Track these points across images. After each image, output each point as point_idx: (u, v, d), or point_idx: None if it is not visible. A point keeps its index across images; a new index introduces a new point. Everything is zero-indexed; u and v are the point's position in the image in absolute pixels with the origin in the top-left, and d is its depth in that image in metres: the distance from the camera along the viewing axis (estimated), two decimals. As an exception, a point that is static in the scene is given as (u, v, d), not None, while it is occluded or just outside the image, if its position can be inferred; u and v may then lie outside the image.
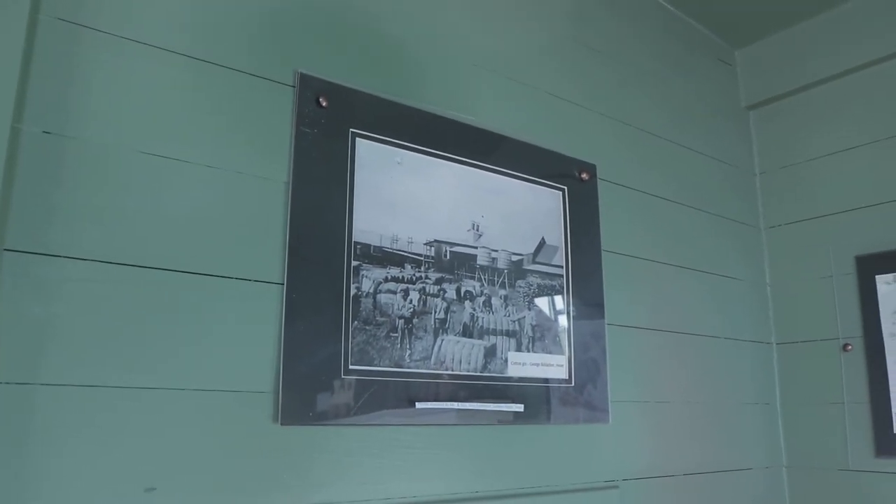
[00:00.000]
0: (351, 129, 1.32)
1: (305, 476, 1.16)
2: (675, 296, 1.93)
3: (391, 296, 1.30)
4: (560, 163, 1.67)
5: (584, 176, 1.71)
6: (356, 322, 1.24)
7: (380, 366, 1.26)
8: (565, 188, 1.66)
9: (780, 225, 2.28)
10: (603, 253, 1.71)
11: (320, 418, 1.17)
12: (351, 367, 1.22)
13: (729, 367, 2.05)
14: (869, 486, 1.96)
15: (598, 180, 1.75)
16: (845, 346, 2.06)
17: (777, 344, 2.23)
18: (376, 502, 1.22)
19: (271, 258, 1.19)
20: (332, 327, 1.21)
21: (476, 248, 1.46)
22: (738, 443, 2.02)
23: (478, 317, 1.42)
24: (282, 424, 1.14)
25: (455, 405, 1.34)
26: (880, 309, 2.01)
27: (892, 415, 1.95)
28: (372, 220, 1.31)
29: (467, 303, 1.41)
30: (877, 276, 2.03)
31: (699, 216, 2.07)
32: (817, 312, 2.15)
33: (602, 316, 1.67)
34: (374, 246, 1.30)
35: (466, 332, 1.40)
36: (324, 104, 1.29)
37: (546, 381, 1.51)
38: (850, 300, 2.08)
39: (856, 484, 1.98)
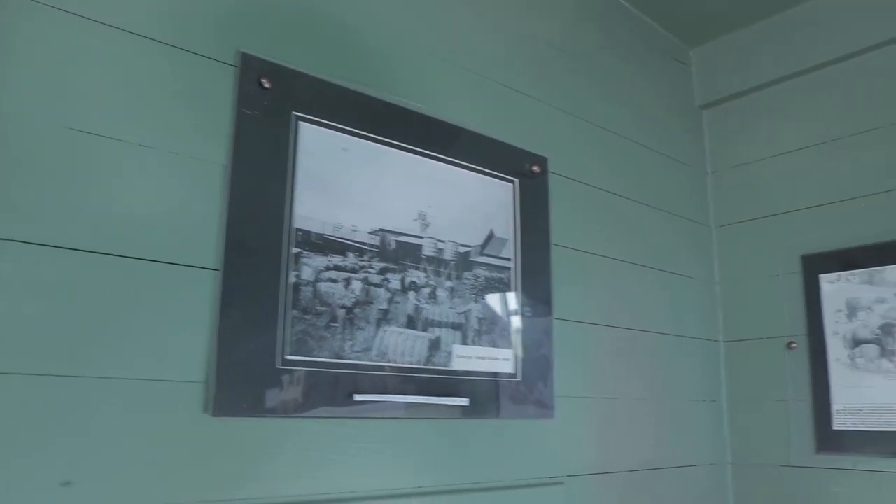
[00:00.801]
0: (294, 113, 1.27)
1: (237, 469, 1.12)
2: (625, 292, 1.92)
3: (332, 285, 1.26)
4: (511, 155, 1.65)
5: (536, 169, 1.69)
6: (295, 311, 1.20)
7: (319, 356, 1.22)
8: (516, 181, 1.64)
9: (729, 224, 2.29)
10: (552, 247, 1.70)
11: (255, 410, 1.13)
12: (288, 357, 1.18)
13: (677, 365, 2.05)
14: (810, 481, 1.98)
15: (550, 174, 1.74)
16: (790, 343, 2.08)
17: (725, 342, 2.24)
18: (312, 497, 1.19)
19: (207, 243, 1.14)
20: (270, 316, 1.17)
21: (422, 238, 1.43)
22: (685, 440, 2.03)
23: (422, 308, 1.39)
24: (213, 415, 1.09)
25: (397, 398, 1.31)
26: (823, 308, 2.04)
27: (831, 412, 1.97)
28: (314, 207, 1.27)
29: (412, 294, 1.38)
30: (821, 276, 2.06)
31: (651, 213, 2.07)
32: (764, 311, 2.16)
33: (550, 310, 1.65)
34: (316, 233, 1.26)
35: (410, 324, 1.37)
36: (267, 86, 1.25)
37: (492, 375, 1.49)
38: (795, 299, 2.10)
39: (797, 480, 2.01)
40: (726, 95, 2.35)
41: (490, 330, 1.51)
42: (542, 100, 1.79)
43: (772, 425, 2.10)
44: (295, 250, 1.22)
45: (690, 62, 2.42)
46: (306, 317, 1.22)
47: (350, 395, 1.24)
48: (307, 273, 1.23)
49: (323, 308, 1.24)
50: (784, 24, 2.21)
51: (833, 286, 2.03)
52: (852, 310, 1.99)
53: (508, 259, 1.58)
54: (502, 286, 1.55)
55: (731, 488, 2.15)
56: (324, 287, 1.25)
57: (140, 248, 1.07)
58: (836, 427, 1.96)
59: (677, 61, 2.35)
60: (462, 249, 1.49)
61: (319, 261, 1.25)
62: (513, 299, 1.57)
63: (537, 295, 1.63)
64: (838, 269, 2.03)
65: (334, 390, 1.23)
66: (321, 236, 1.27)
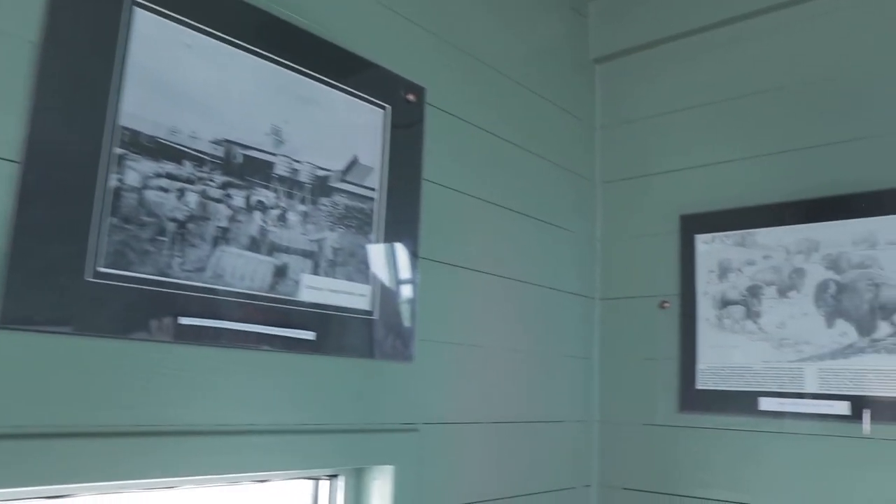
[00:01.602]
0: (128, -4, 1.12)
1: (28, 392, 0.97)
2: (502, 239, 1.85)
3: (163, 194, 1.13)
4: (385, 79, 1.54)
5: (411, 97, 1.59)
6: (114, 219, 1.06)
7: (139, 272, 1.09)
8: (388, 107, 1.53)
9: (615, 180, 2.26)
10: (423, 182, 1.60)
11: (53, 324, 0.99)
12: (101, 269, 1.04)
13: (551, 318, 2.01)
14: (671, 440, 1.99)
15: (427, 105, 1.64)
16: (662, 303, 2.08)
17: (601, 299, 2.22)
18: (123, 428, 1.06)
19: (5, 130, 0.98)
20: (81, 221, 1.03)
21: (275, 155, 1.30)
22: (554, 395, 1.99)
23: (269, 231, 1.27)
24: (8, 328, 0.95)
25: (231, 325, 1.19)
26: (697, 268, 2.03)
27: (696, 371, 1.97)
28: (146, 105, 1.12)
29: (257, 214, 1.26)
30: (696, 236, 2.05)
31: (535, 161, 2.00)
32: (642, 269, 2.15)
33: (416, 249, 1.56)
34: (147, 135, 1.12)
35: (253, 247, 1.24)
36: (95, -39, 1.09)
37: (345, 310, 1.39)
38: (671, 258, 2.09)
39: (660, 438, 2.01)
40: (619, 50, 2.30)
41: (346, 262, 1.40)
42: (425, 27, 1.68)
43: (641, 384, 2.09)
44: (119, 151, 1.08)
45: (588, 14, 2.35)
46: (127, 226, 1.08)
47: (175, 318, 1.12)
48: (132, 178, 1.09)
49: (149, 219, 1.11)
50: (682, -18, 2.17)
51: (707, 246, 2.03)
52: (723, 271, 1.99)
53: (373, 189, 1.47)
54: (363, 217, 1.45)
55: (597, 445, 2.14)
56: (152, 196, 1.11)
57: (-85, 125, 0.91)
58: (699, 386, 1.97)
59: (576, 11, 2.29)
60: (321, 173, 1.38)
61: (149, 166, 1.11)
62: (374, 232, 1.46)
63: (402, 231, 1.53)
64: (713, 231, 2.02)
65: (157, 311, 1.10)
66: (153, 139, 1.12)
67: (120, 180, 1.08)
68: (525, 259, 1.93)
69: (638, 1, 2.26)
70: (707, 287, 2.01)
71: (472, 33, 1.83)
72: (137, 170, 1.10)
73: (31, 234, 0.98)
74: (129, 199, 1.08)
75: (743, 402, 1.89)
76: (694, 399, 1.98)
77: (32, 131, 1.00)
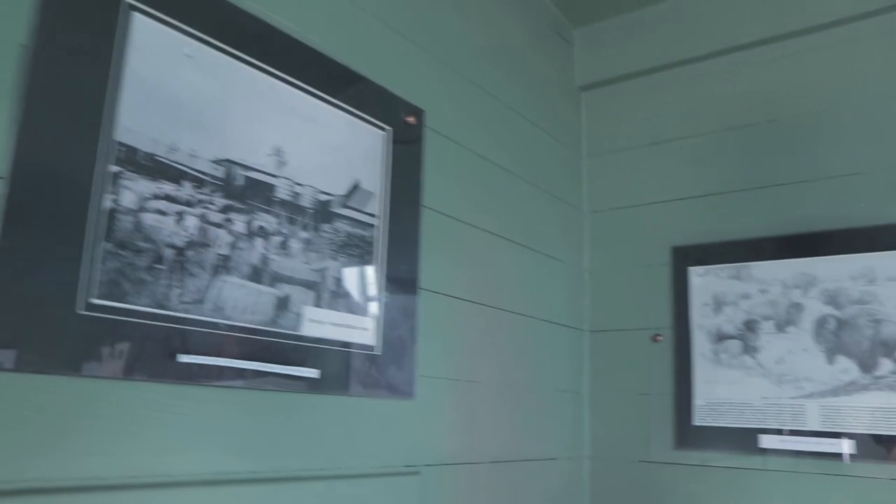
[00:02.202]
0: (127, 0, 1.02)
1: (14, 441, 0.85)
2: (495, 268, 1.78)
3: (161, 217, 1.02)
4: (385, 100, 1.46)
5: (411, 120, 1.51)
6: (109, 244, 0.95)
7: (135, 304, 0.97)
8: (389, 129, 1.45)
9: (603, 210, 2.21)
10: (423, 209, 1.52)
11: (42, 366, 0.87)
12: (93, 300, 0.92)
13: (541, 351, 1.93)
14: (667, 478, 1.92)
15: (426, 128, 1.56)
16: (655, 336, 2.02)
17: (590, 331, 2.15)
18: (112, 481, 0.94)
19: (-11, 144, 0.87)
20: (72, 245, 0.91)
21: (277, 177, 1.20)
22: (545, 431, 1.91)
23: (271, 259, 1.17)
24: (-13, 369, 0.83)
25: (232, 362, 1.08)
26: (690, 301, 1.99)
27: (692, 407, 1.92)
28: (144, 120, 1.02)
29: (259, 241, 1.15)
30: (690, 268, 2.01)
31: (526, 188, 1.94)
32: (632, 301, 2.10)
33: (416, 279, 1.47)
34: (145, 152, 1.01)
35: (255, 276, 1.14)
36: (91, -39, 0.98)
37: (347, 345, 1.29)
38: (664, 291, 2.04)
39: (655, 476, 1.94)
40: (605, 79, 2.27)
41: (348, 293, 1.30)
42: (423, 47, 1.61)
43: (633, 420, 2.02)
44: (114, 168, 0.97)
45: (574, 42, 2.32)
46: (122, 253, 0.96)
47: (173, 356, 1.00)
48: (128, 199, 0.98)
49: (146, 245, 0.99)
50: (669, 12, 2.15)
51: (701, 279, 1.98)
52: (718, 304, 1.95)
53: (374, 216, 1.38)
54: (365, 245, 1.35)
55: (588, 483, 2.06)
56: (149, 219, 1.00)
57: None
58: (696, 423, 1.91)
59: (562, 38, 2.25)
60: (322, 197, 1.28)
61: (146, 186, 1.00)
62: (376, 261, 1.37)
63: (404, 259, 1.44)
64: (708, 263, 1.99)
65: (153, 348, 0.98)
66: (151, 156, 1.02)
67: (115, 201, 0.96)
68: (517, 289, 1.85)
69: (624, 28, 2.23)
70: (702, 321, 1.96)
71: (466, 55, 1.76)
72: (133, 189, 0.99)
73: (17, 259, 0.86)
74: (125, 222, 0.97)
75: (742, 439, 1.84)
76: (691, 436, 1.92)
77: (20, 144, 0.88)
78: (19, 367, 0.84)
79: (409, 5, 1.58)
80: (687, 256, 2.02)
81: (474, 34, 1.81)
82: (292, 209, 1.22)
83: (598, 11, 2.24)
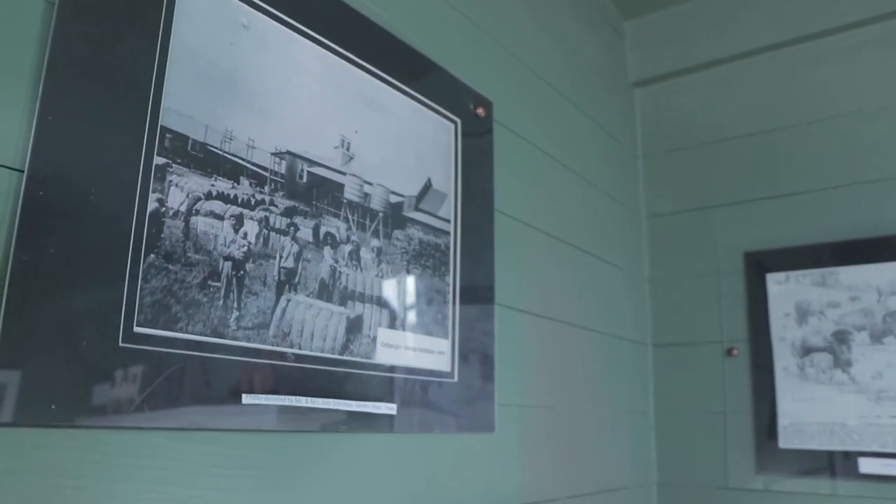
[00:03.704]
0: (170, -47, 0.82)
1: (37, 516, 0.64)
2: (560, 277, 1.58)
3: (215, 222, 0.82)
4: (454, 89, 1.26)
5: (480, 112, 1.31)
6: (153, 256, 0.74)
7: (188, 332, 0.77)
8: (458, 121, 1.25)
9: (663, 214, 2.02)
10: (496, 213, 1.32)
11: (77, 416, 0.66)
12: (138, 329, 0.72)
13: (607, 369, 1.73)
14: (751, 509, 1.72)
15: (495, 122, 1.36)
16: (730, 350, 1.83)
17: (653, 345, 1.96)
18: (165, 556, 0.73)
19: (7, 126, 0.67)
20: (110, 260, 0.71)
21: (345, 174, 1.00)
22: (614, 457, 1.71)
23: (341, 273, 0.97)
24: (12, 425, 0.62)
25: (302, 401, 0.87)
26: (770, 311, 1.79)
27: (777, 427, 1.72)
28: (194, 101, 0.81)
29: (327, 250, 0.95)
30: (767, 275, 1.81)
31: (586, 189, 1.74)
32: (698, 312, 1.90)
33: (493, 293, 1.27)
34: (195, 140, 0.81)
35: (324, 293, 0.94)
36: None
37: (423, 372, 1.08)
38: (736, 300, 1.85)
39: (736, 503, 1.74)
40: (660, 74, 2.08)
41: (423, 312, 1.10)
42: (490, 34, 1.42)
43: (704, 441, 1.83)
44: (160, 160, 0.77)
45: (625, 35, 2.13)
46: (171, 267, 0.76)
47: (237, 396, 0.80)
48: (177, 198, 0.78)
49: (199, 256, 0.79)
50: (726, 3, 1.97)
51: (781, 287, 1.79)
52: (802, 314, 1.75)
53: (447, 220, 1.18)
54: (440, 255, 1.15)
55: (657, 515, 1.86)
56: (201, 224, 0.80)
57: None
58: (782, 445, 1.71)
59: (614, 31, 2.06)
60: (394, 199, 1.08)
61: (197, 182, 0.80)
62: (451, 273, 1.17)
63: (479, 271, 1.24)
64: (787, 269, 1.79)
65: (211, 387, 0.78)
66: (203, 146, 0.81)
67: (160, 201, 0.76)
68: (580, 300, 1.65)
69: (678, 23, 2.04)
70: (784, 332, 1.77)
71: (528, 44, 1.57)
72: (183, 187, 0.79)
73: (42, 279, 0.65)
74: (174, 227, 0.77)
75: (838, 463, 1.64)
76: (775, 459, 1.72)
77: (41, 129, 0.67)
78: (44, 420, 0.64)
79: (470, -18, 1.39)
80: (762, 262, 1.83)
81: (533, 21, 1.61)
82: (362, 212, 1.02)
83: (652, 2, 2.05)
